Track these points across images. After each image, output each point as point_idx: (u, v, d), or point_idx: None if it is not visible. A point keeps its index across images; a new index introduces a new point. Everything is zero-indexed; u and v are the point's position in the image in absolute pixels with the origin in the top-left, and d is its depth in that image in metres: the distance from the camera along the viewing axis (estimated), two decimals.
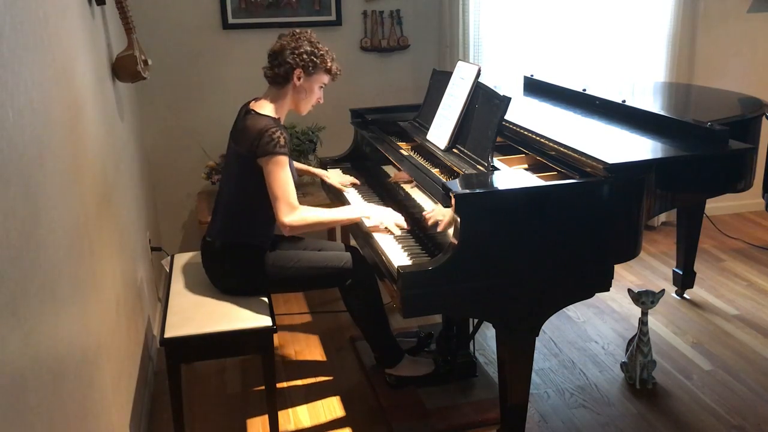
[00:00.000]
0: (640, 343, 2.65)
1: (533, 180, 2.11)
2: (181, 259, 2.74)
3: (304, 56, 2.32)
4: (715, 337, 3.06)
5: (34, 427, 1.13)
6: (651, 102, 3.21)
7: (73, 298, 1.51)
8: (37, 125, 1.36)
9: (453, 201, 1.87)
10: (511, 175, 2.20)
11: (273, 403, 2.36)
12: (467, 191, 1.89)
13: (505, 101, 2.17)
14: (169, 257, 2.82)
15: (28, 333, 1.14)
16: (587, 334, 3.11)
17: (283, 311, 3.35)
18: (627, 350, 2.75)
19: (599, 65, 4.09)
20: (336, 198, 2.89)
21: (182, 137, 3.73)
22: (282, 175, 2.25)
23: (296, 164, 2.81)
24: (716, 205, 4.28)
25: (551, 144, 2.27)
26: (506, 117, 2.24)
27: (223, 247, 2.41)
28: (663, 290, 2.65)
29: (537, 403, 2.59)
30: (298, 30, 2.39)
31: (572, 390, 2.69)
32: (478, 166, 2.19)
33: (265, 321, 2.28)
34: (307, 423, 2.54)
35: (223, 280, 2.44)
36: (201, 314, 2.32)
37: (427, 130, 2.58)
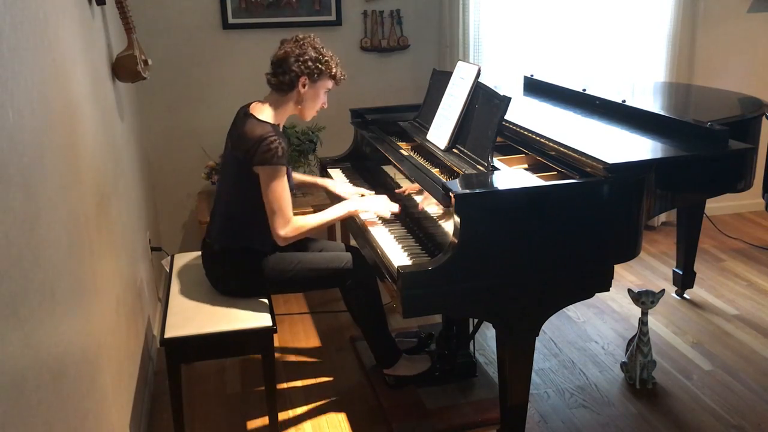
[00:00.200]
0: (640, 343, 2.65)
1: (533, 180, 2.11)
2: (181, 259, 2.75)
3: (309, 63, 2.30)
4: (715, 337, 3.06)
5: (34, 427, 1.13)
6: (651, 102, 3.21)
7: (73, 298, 1.51)
8: (37, 125, 1.36)
9: (453, 201, 1.87)
10: (511, 175, 2.20)
11: (273, 403, 2.36)
12: (467, 191, 1.89)
13: (505, 101, 2.17)
14: (169, 257, 2.82)
15: (28, 333, 1.14)
16: (587, 334, 3.11)
17: (283, 311, 3.35)
18: (627, 350, 2.75)
19: (599, 65, 4.09)
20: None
21: (182, 137, 3.73)
22: (279, 188, 2.24)
23: (300, 176, 2.80)
24: (716, 205, 4.28)
25: (551, 144, 2.27)
26: (506, 117, 2.24)
27: (223, 250, 2.41)
28: (663, 290, 2.65)
29: (537, 403, 2.59)
30: (301, 36, 2.36)
31: (572, 390, 2.69)
32: (478, 166, 2.19)
33: (265, 321, 2.28)
34: (307, 423, 2.54)
35: (223, 282, 2.44)
36: (201, 314, 2.32)
37: (427, 130, 2.58)
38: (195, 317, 2.30)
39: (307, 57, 2.30)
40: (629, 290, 2.67)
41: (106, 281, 1.98)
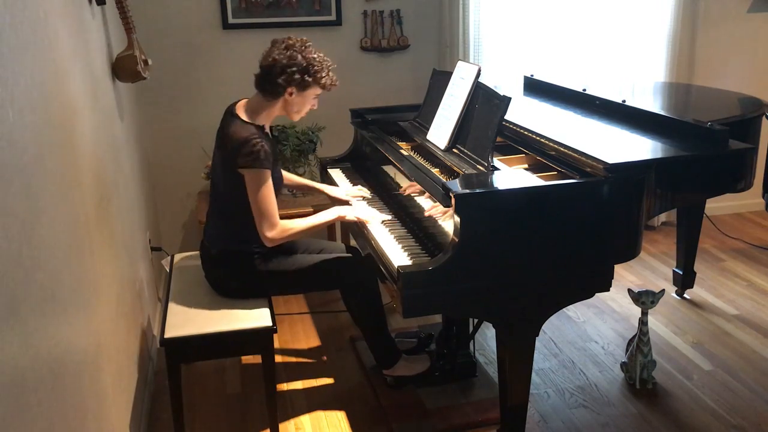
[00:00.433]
0: (640, 343, 2.65)
1: (533, 180, 2.11)
2: (181, 259, 2.75)
3: (296, 76, 2.24)
4: (715, 337, 3.06)
5: (34, 427, 1.13)
6: (651, 102, 3.21)
7: (73, 298, 1.51)
8: (37, 125, 1.36)
9: (453, 201, 1.87)
10: (511, 175, 2.20)
11: (273, 403, 2.36)
12: (467, 191, 1.90)
13: (505, 101, 2.17)
14: (169, 257, 2.82)
15: (28, 333, 1.14)
16: (587, 334, 3.11)
17: (283, 311, 3.35)
18: (627, 350, 2.75)
19: (599, 65, 4.09)
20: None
21: (182, 137, 3.73)
22: (263, 191, 2.23)
23: (298, 180, 2.80)
24: (716, 205, 4.27)
25: (551, 144, 2.27)
26: (506, 117, 2.24)
27: (220, 254, 2.41)
28: (663, 290, 2.65)
29: (537, 403, 2.59)
30: (291, 41, 2.29)
31: (572, 390, 2.69)
32: (478, 166, 2.19)
33: (265, 321, 2.28)
34: (307, 423, 2.54)
35: (223, 285, 2.44)
36: (201, 314, 2.32)
37: (427, 130, 2.58)
38: (195, 317, 2.30)
39: (294, 69, 2.23)
40: (629, 290, 2.67)
41: (106, 281, 1.98)
